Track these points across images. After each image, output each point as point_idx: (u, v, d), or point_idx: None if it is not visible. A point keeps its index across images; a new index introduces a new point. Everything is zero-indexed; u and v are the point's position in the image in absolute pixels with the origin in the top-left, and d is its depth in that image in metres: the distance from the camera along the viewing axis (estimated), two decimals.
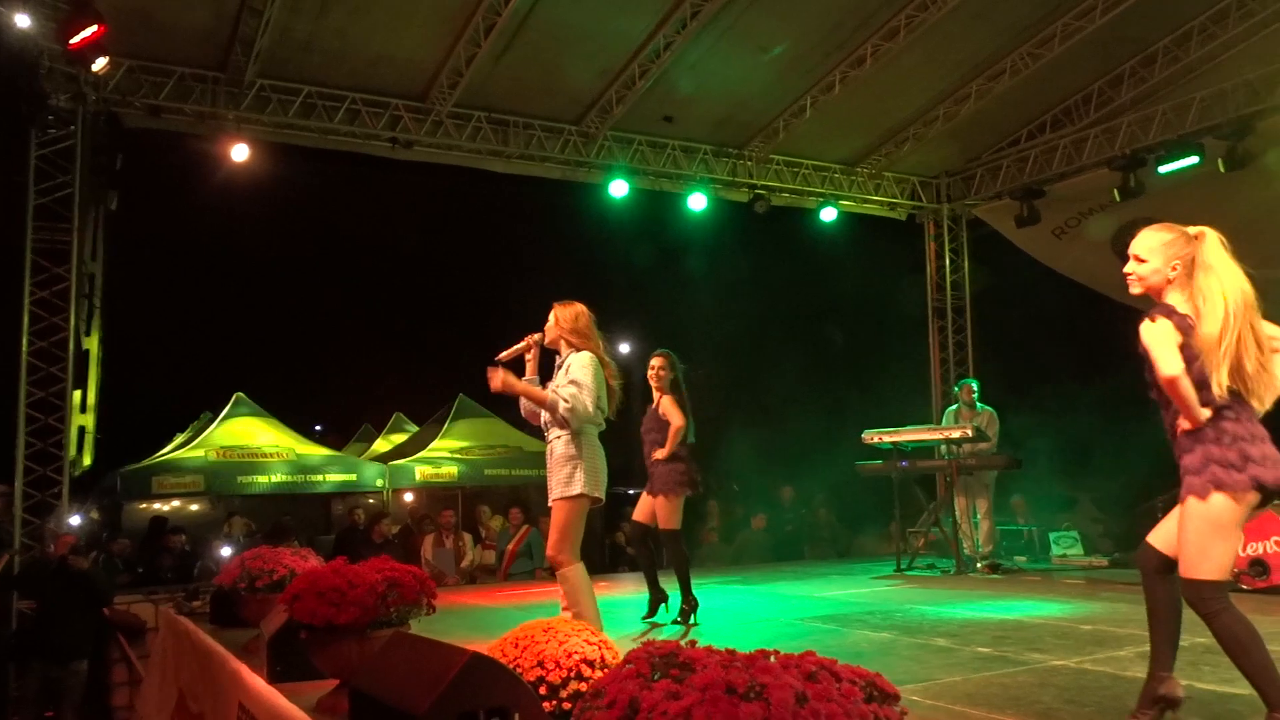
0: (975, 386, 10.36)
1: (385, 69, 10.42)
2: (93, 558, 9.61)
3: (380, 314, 17.79)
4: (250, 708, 4.69)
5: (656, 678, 1.89)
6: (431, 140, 11.09)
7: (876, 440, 9.70)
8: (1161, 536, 3.50)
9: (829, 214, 13.15)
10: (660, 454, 6.54)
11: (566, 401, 4.84)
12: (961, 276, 14.25)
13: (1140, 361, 3.44)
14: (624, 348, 14.63)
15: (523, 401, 5.08)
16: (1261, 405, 3.37)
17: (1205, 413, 3.30)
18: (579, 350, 5.02)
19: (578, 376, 4.88)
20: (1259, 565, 7.24)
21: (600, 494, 4.96)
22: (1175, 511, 3.45)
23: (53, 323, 9.32)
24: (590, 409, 4.86)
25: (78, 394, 9.63)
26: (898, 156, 12.98)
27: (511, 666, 3.35)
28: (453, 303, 17.23)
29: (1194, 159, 10.85)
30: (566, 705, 3.39)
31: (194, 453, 13.29)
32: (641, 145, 12.06)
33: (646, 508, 6.71)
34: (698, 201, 12.38)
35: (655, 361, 6.73)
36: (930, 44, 10.48)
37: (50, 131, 9.38)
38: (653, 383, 6.75)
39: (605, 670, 3.38)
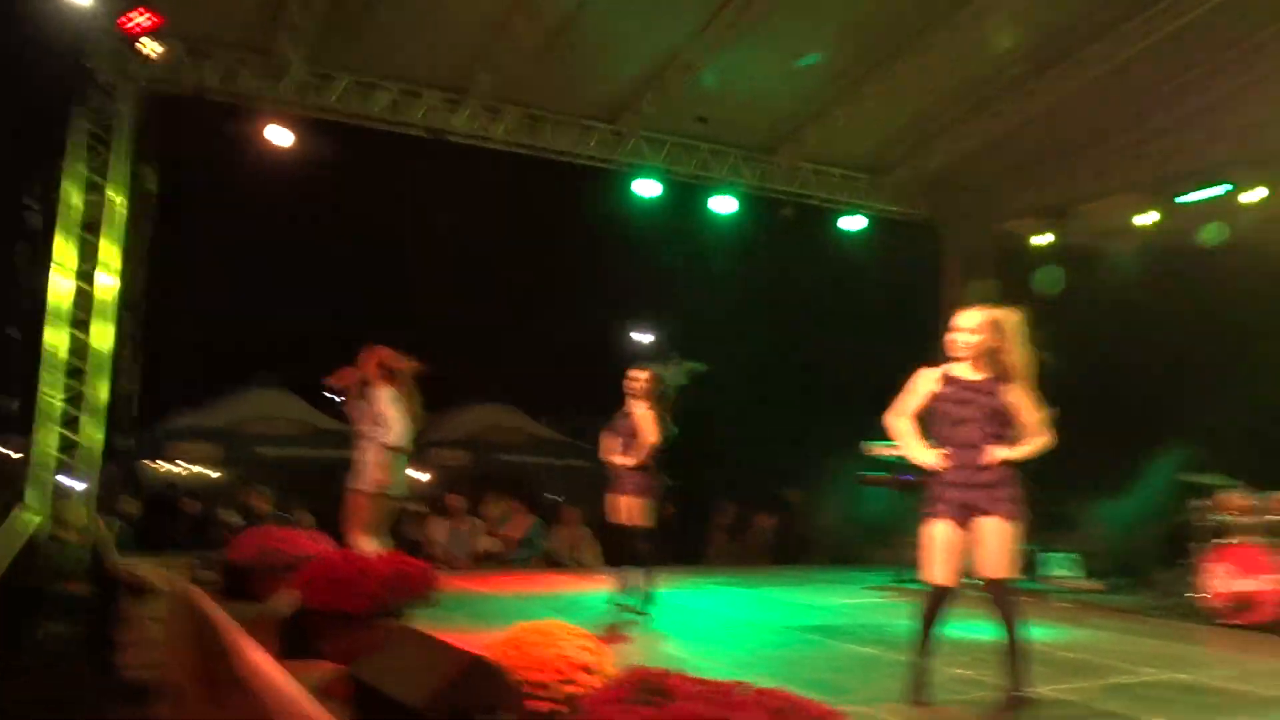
0: None
1: (424, 61, 10.59)
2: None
3: (413, 299, 17.91)
4: (250, 681, 4.91)
5: (638, 702, 2.09)
6: (467, 131, 11.27)
7: (877, 453, 9.82)
8: (954, 573, 4.47)
9: (857, 222, 13.20)
10: (629, 462, 7.12)
11: (391, 439, 6.78)
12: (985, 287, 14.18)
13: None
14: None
15: (351, 410, 7.10)
16: None
17: None
18: (384, 386, 6.88)
19: (386, 412, 6.81)
20: (1242, 601, 7.36)
21: (386, 493, 6.77)
22: (950, 544, 4.43)
23: (82, 288, 9.55)
24: (403, 435, 6.83)
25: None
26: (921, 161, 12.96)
27: (508, 668, 3.57)
28: (479, 292, 17.46)
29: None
30: (561, 707, 3.61)
31: (213, 420, 13.61)
32: (674, 147, 12.17)
33: (619, 507, 7.25)
34: (726, 204, 12.50)
35: (641, 374, 7.22)
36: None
37: (93, 106, 9.59)
38: (631, 392, 7.20)
39: (597, 674, 3.60)
